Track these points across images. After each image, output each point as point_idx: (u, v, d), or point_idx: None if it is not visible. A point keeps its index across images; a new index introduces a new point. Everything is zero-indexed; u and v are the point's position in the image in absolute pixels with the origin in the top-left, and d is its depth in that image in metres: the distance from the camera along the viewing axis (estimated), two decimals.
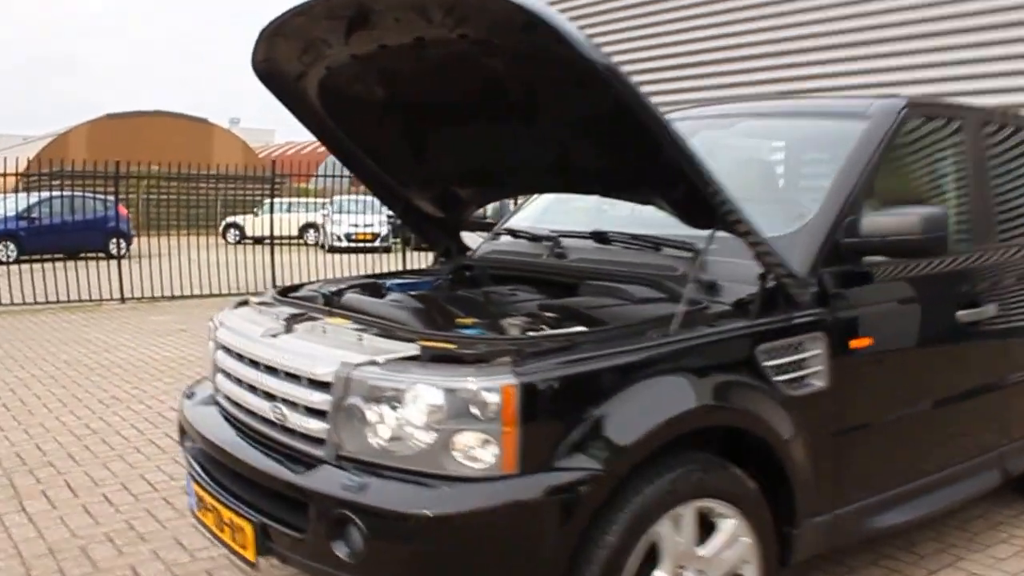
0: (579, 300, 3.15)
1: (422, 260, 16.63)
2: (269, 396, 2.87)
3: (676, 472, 2.64)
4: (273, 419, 2.83)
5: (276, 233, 19.03)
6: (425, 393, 2.43)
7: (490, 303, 3.35)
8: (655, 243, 3.33)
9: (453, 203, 4.17)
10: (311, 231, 27.51)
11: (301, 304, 3.30)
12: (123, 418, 6.29)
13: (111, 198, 16.35)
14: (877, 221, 3.17)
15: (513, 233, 4.12)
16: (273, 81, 3.56)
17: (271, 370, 2.86)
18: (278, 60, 3.42)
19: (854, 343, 3.18)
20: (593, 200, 4.32)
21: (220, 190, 25.03)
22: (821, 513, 3.09)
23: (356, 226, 24.63)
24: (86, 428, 6.04)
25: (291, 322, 3.01)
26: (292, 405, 2.75)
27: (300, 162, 17.99)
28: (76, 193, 16.60)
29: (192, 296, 13.63)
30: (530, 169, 3.63)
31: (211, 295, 13.65)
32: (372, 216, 24.98)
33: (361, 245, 23.44)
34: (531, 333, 2.75)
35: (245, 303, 3.59)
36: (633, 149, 2.94)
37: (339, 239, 24.29)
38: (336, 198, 25.48)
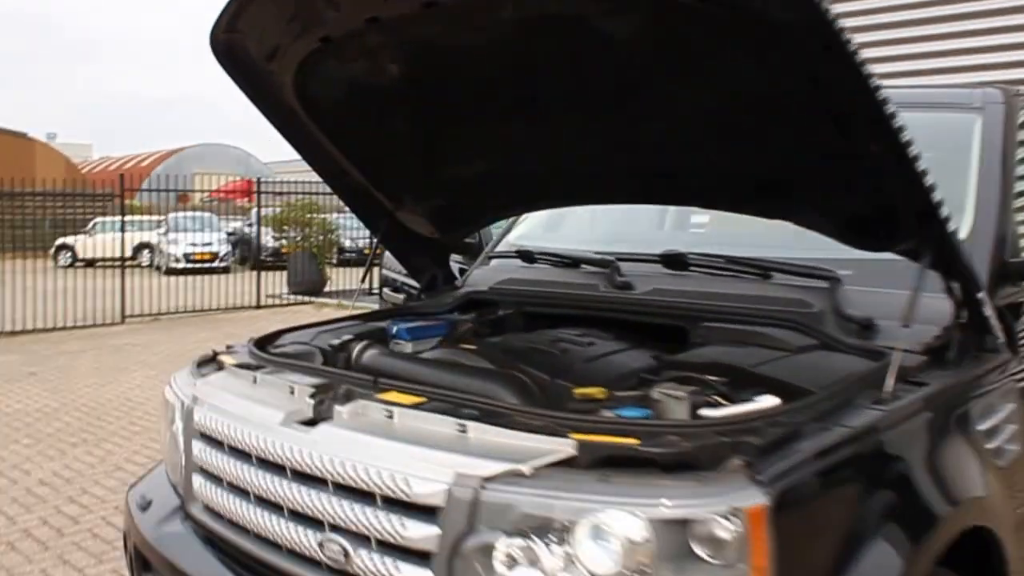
0: (721, 352, 2.33)
1: (273, 281, 15.40)
2: (309, 521, 1.91)
3: None
4: (324, 560, 1.86)
5: (109, 254, 17.19)
6: (617, 523, 1.55)
7: (574, 357, 2.48)
8: (764, 268, 2.57)
9: (456, 219, 3.29)
10: (145, 251, 25.42)
11: (315, 369, 2.34)
12: None
13: None
14: None
15: (526, 256, 3.26)
16: (236, 60, 2.63)
17: (311, 480, 1.90)
18: (249, 31, 2.52)
19: None
20: (620, 211, 3.54)
21: (48, 209, 22.76)
22: None
23: (195, 245, 23.07)
24: None
25: (323, 399, 2.03)
26: (359, 540, 1.80)
27: (123, 178, 16.11)
28: None
29: (34, 330, 11.73)
30: (608, 173, 2.77)
31: (55, 328, 11.89)
32: (210, 234, 23.62)
33: (201, 266, 21.93)
34: (713, 411, 1.90)
35: (213, 361, 2.58)
36: (812, 144, 2.15)
37: (177, 260, 22.49)
38: (171, 215, 23.94)
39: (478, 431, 1.78)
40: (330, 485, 1.86)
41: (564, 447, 1.67)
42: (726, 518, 1.52)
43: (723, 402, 1.97)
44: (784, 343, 2.33)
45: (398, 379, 2.20)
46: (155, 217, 24.46)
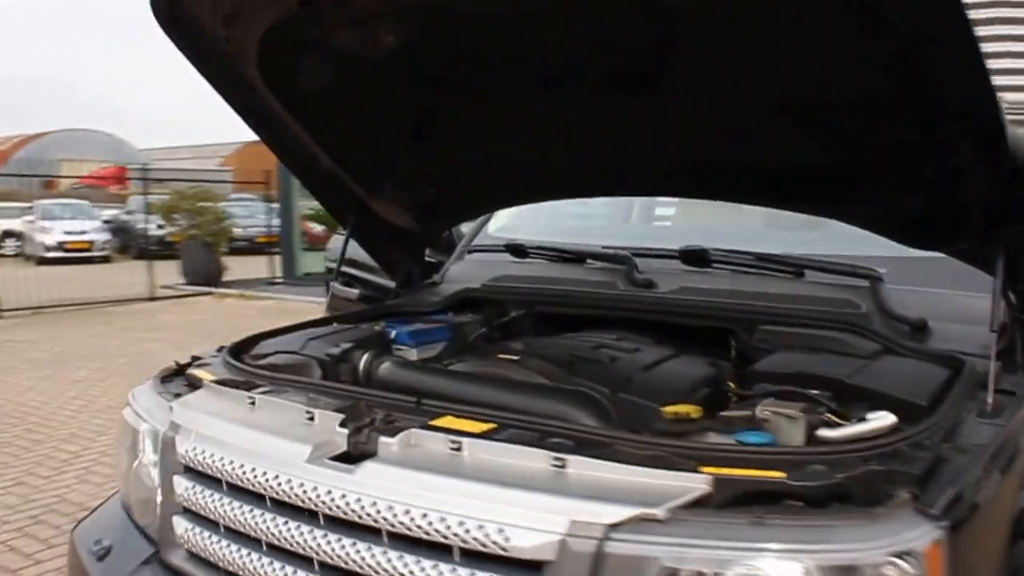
0: (797, 359, 2.04)
1: (163, 271, 14.53)
2: None
3: None
4: None
5: None
6: (773, 572, 1.28)
7: (627, 367, 2.15)
8: (798, 266, 2.37)
9: (440, 211, 2.97)
10: (10, 240, 24.03)
11: (332, 388, 1.97)
12: None
13: None
14: None
15: (517, 250, 2.95)
16: (183, 22, 2.17)
17: (355, 529, 1.55)
18: None
19: None
20: (584, 202, 3.29)
21: None
22: None
23: (69, 233, 21.94)
24: None
25: (360, 428, 1.67)
26: None
27: None
28: None
29: None
30: (628, 162, 2.46)
31: None
32: (84, 222, 22.54)
33: (77, 255, 20.82)
34: (833, 432, 1.63)
35: (180, 375, 2.18)
36: (885, 138, 1.90)
37: (49, 248, 21.33)
38: (40, 202, 22.82)
39: (580, 466, 1.46)
40: (384, 536, 1.51)
41: (698, 484, 1.37)
42: (904, 559, 1.27)
43: (839, 421, 1.69)
44: (854, 348, 2.09)
45: (436, 398, 1.86)
46: (17, 203, 23.31)
